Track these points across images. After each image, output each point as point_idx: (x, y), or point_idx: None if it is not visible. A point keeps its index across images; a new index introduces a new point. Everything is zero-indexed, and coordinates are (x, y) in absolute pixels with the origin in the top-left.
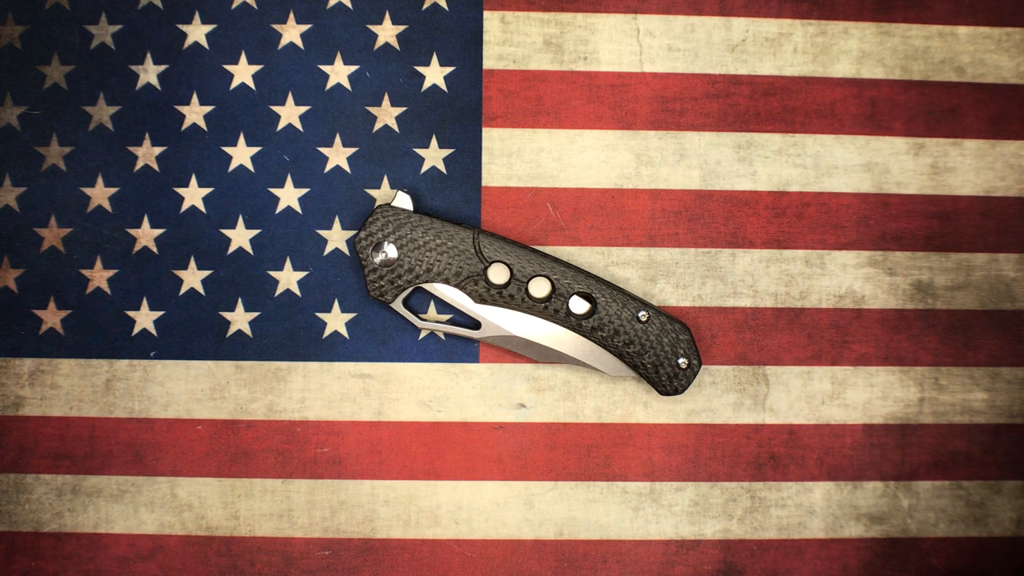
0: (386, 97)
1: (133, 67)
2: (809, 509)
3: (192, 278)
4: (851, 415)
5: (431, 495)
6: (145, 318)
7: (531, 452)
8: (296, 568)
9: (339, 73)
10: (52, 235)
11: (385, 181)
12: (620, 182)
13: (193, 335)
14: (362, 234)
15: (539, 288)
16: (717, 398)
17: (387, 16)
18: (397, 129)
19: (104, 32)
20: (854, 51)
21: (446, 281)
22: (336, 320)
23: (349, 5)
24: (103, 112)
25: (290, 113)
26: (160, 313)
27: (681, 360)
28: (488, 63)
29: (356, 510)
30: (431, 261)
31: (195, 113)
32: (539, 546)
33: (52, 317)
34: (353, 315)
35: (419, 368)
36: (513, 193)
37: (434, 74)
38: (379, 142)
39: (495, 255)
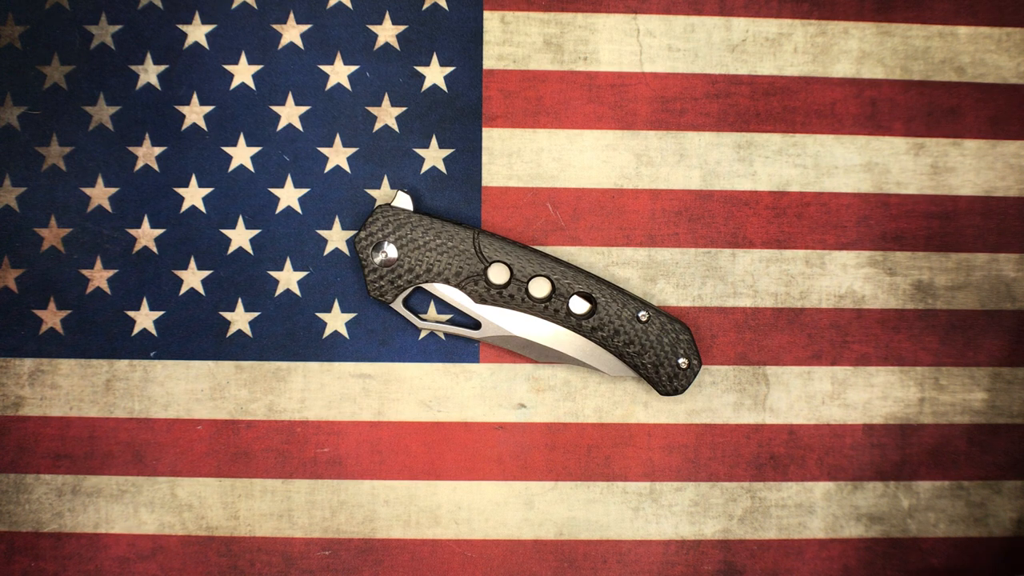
0: (386, 97)
1: (133, 67)
2: (809, 509)
3: (192, 278)
4: (851, 415)
5: (431, 495)
6: (145, 318)
7: (531, 452)
8: (296, 568)
9: (339, 73)
10: (52, 235)
11: (385, 181)
12: (620, 182)
13: (193, 335)
14: (362, 234)
15: (539, 288)
16: (717, 398)
17: (387, 16)
18: (397, 129)
19: (104, 32)
20: (854, 51)
21: (446, 281)
22: (336, 320)
23: (349, 5)
24: (103, 112)
25: (290, 113)
26: (160, 313)
27: (681, 360)
28: (488, 63)
29: (356, 510)
30: (431, 261)
31: (195, 113)
32: (539, 546)
33: (52, 317)
34: (353, 315)
35: (419, 368)
36: (513, 193)
37: (434, 74)
38: (379, 142)
39: (495, 255)
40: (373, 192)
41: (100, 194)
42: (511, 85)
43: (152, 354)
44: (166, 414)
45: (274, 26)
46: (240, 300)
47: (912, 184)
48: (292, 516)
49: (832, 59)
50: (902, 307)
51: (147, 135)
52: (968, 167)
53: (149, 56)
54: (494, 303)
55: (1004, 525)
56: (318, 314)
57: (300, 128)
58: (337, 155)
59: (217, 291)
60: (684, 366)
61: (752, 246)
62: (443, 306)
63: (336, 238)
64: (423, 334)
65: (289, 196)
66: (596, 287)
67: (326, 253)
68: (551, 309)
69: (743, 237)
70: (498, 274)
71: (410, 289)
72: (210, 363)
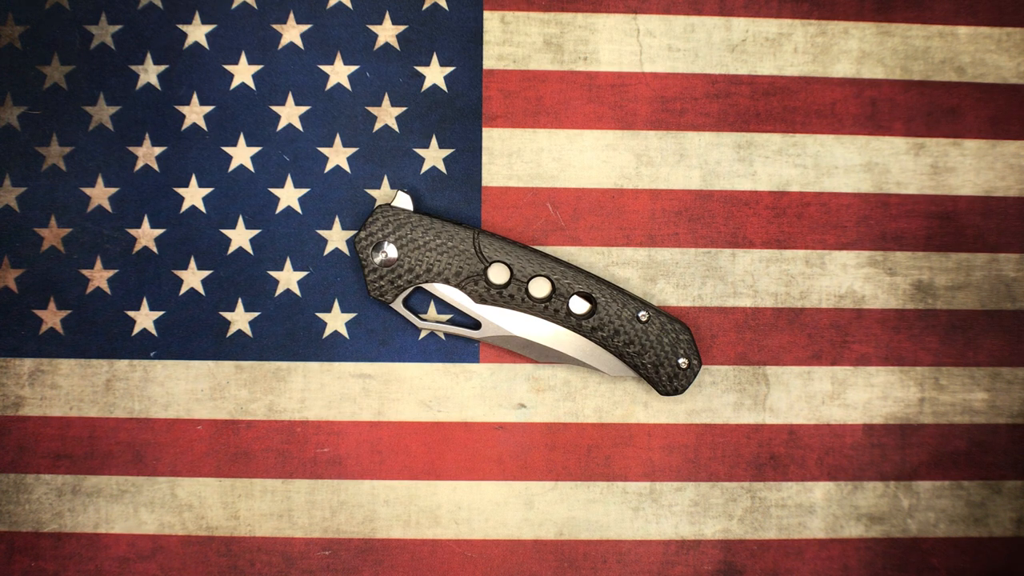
0: (386, 97)
1: (133, 67)
2: (809, 509)
3: (192, 278)
4: (851, 415)
5: (431, 495)
6: (145, 318)
7: (531, 452)
8: (296, 568)
9: (339, 73)
10: (52, 235)
11: (385, 181)
12: (620, 182)
13: (193, 335)
14: (362, 234)
15: (539, 288)
16: (717, 398)
17: (387, 16)
18: (397, 129)
19: (104, 32)
20: (854, 51)
21: (446, 281)
22: (336, 320)
23: (349, 5)
24: (103, 112)
25: (290, 113)
26: (160, 313)
27: (681, 360)
28: (488, 63)
29: (356, 510)
30: (431, 261)
31: (195, 113)
32: (539, 546)
33: (52, 317)
34: (353, 315)
35: (419, 368)
36: (513, 193)
37: (434, 74)
38: (379, 142)
39: (495, 255)
40: (373, 192)
41: (100, 194)
42: (511, 85)
43: (152, 354)
44: (166, 414)
45: (274, 26)
46: (240, 300)
47: (912, 184)
48: (292, 516)
49: (832, 59)
50: (902, 307)
51: (147, 135)
52: (968, 167)
53: (149, 56)
54: (494, 303)
55: (1004, 525)
56: (318, 314)
57: (300, 128)
58: (337, 155)
59: (217, 291)
60: (684, 366)
61: (752, 246)
62: (443, 306)
63: (336, 238)
64: (423, 334)
65: (289, 196)
66: (596, 287)
67: (326, 253)
68: (551, 309)
69: (743, 237)
70: (498, 274)
71: (410, 289)
72: (210, 363)
